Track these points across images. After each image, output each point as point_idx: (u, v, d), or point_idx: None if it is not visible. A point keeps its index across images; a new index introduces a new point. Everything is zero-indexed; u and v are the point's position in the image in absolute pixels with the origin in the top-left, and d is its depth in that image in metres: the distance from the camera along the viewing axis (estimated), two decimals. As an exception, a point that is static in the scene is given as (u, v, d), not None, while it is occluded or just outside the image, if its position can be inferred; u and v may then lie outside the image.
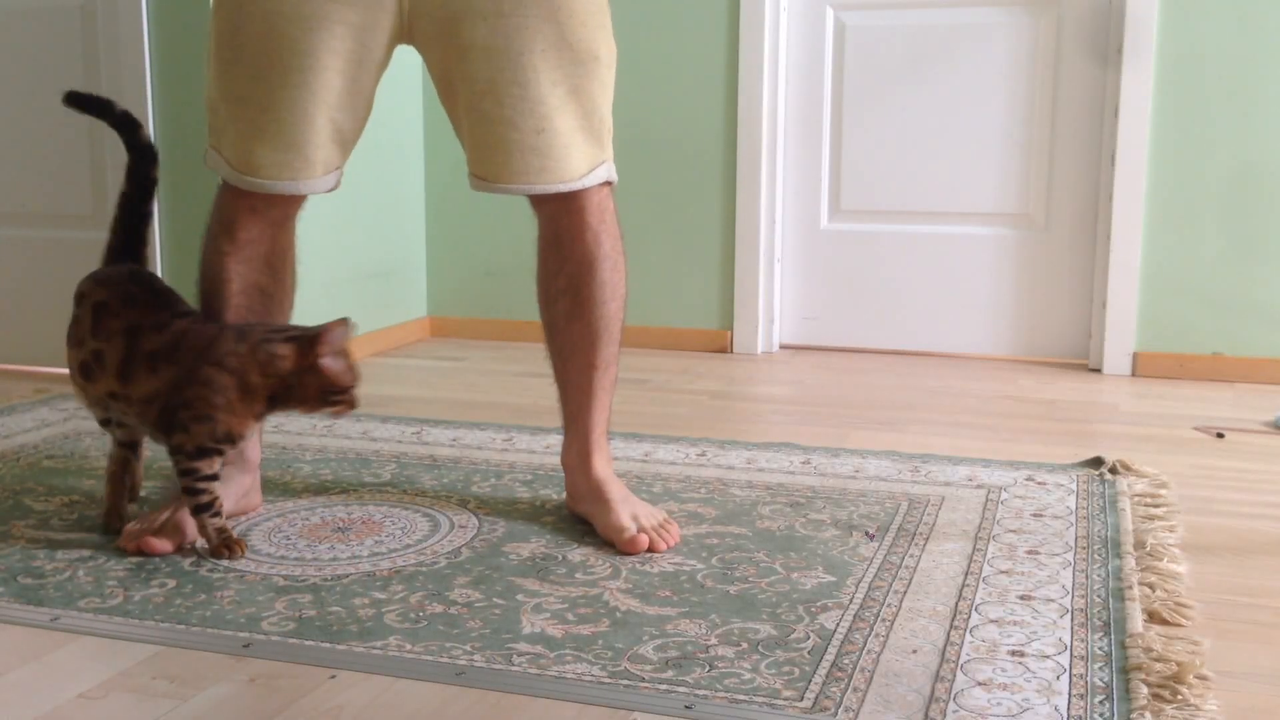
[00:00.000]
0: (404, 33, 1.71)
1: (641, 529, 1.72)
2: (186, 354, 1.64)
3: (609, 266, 1.78)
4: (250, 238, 1.76)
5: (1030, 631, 1.45)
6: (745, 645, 1.41)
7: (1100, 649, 1.40)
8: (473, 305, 3.61)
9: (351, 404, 1.66)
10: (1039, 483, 2.07)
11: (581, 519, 1.84)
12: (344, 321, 1.64)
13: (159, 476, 2.10)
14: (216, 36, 1.71)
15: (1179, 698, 1.27)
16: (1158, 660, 1.35)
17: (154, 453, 2.27)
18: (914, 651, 1.40)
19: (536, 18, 1.65)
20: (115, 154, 2.86)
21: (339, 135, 1.72)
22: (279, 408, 1.66)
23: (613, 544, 1.73)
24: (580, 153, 1.72)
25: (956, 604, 1.54)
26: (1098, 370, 3.13)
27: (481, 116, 1.69)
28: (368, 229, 3.33)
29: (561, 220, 1.76)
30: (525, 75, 1.66)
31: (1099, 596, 1.56)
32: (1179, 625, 1.48)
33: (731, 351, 3.39)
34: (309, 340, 1.63)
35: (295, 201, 1.77)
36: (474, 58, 1.67)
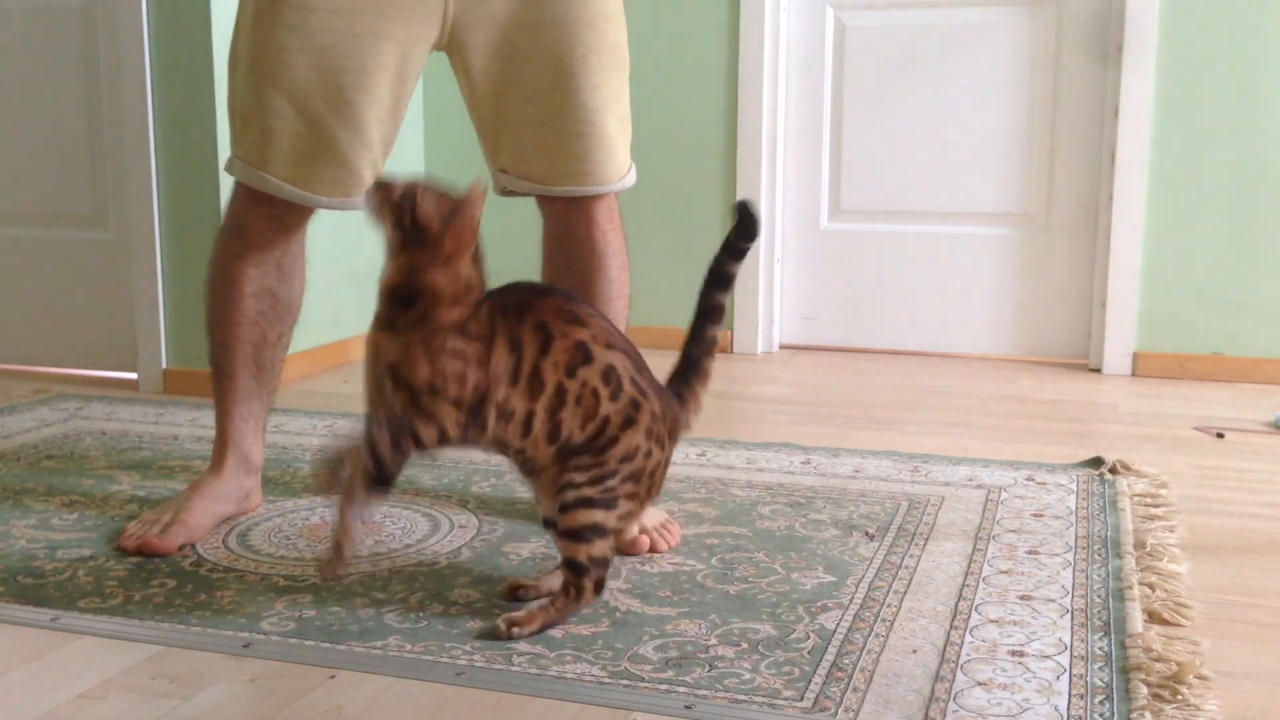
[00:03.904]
0: (441, 42, 1.73)
1: (643, 529, 1.72)
2: None
3: (616, 265, 1.80)
4: (265, 241, 1.77)
5: (1030, 631, 1.45)
6: (745, 645, 1.41)
7: (1100, 649, 1.40)
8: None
9: None
10: (1039, 483, 2.07)
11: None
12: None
13: (158, 476, 2.10)
14: (257, 52, 1.69)
15: (1179, 698, 1.27)
16: (1158, 660, 1.35)
17: (153, 452, 2.27)
18: (914, 651, 1.40)
19: (578, 23, 1.69)
20: (115, 154, 2.87)
21: (384, 147, 1.75)
22: None
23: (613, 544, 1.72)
24: (618, 154, 1.77)
25: (956, 604, 1.54)
26: (1098, 370, 3.13)
27: (526, 121, 1.72)
28: (368, 229, 3.32)
29: (572, 219, 1.77)
30: (570, 82, 1.70)
31: (1099, 596, 1.56)
32: (1179, 625, 1.48)
33: (731, 351, 3.39)
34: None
35: (312, 208, 1.78)
36: (519, 64, 1.70)
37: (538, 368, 1.40)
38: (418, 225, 1.39)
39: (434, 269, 1.39)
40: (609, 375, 1.42)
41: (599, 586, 1.46)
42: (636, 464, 1.42)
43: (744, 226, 1.52)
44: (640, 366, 1.47)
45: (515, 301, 1.44)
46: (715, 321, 1.55)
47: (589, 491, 1.41)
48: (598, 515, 1.42)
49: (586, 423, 1.41)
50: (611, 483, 1.42)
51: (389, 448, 1.40)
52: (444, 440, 1.41)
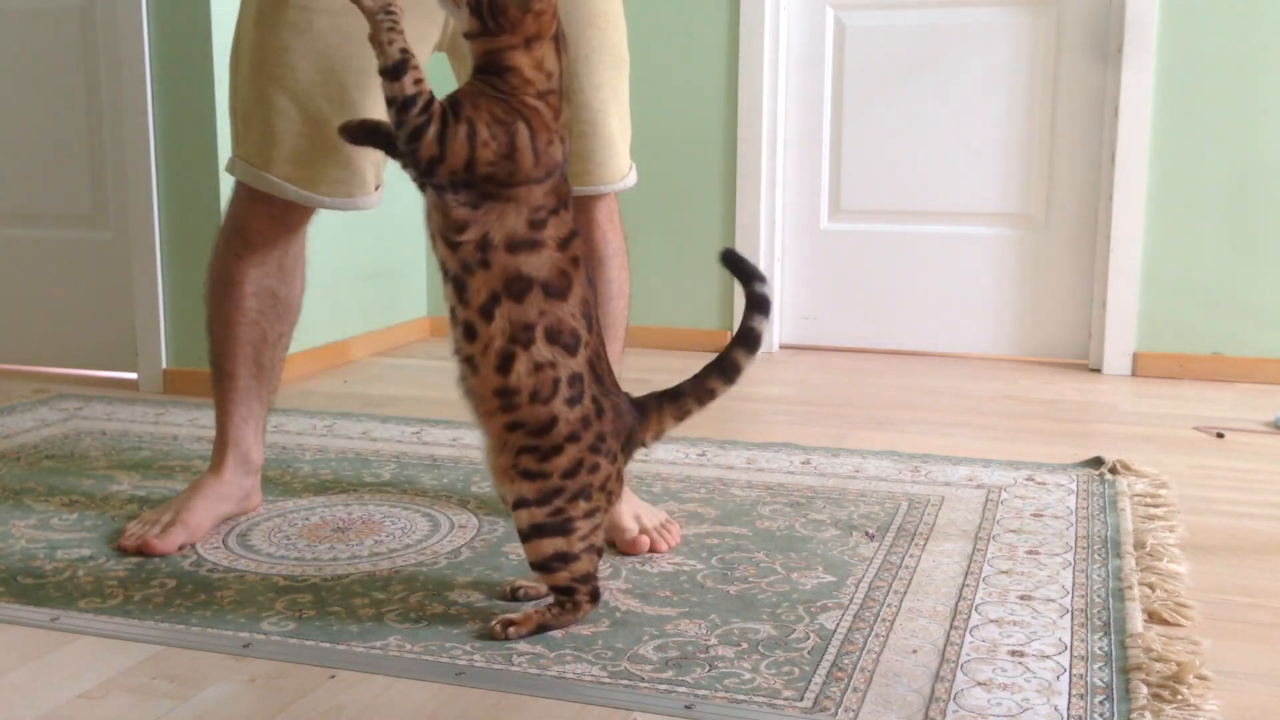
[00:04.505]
0: (444, 43, 1.73)
1: (643, 530, 1.72)
2: None
3: (616, 265, 1.80)
4: (266, 242, 1.77)
5: (1030, 631, 1.45)
6: (745, 645, 1.41)
7: (1100, 649, 1.40)
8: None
9: None
10: (1039, 483, 2.07)
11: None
12: None
13: (158, 476, 2.10)
14: (260, 52, 1.69)
15: (1179, 698, 1.27)
16: (1158, 660, 1.35)
17: (153, 452, 2.27)
18: (914, 651, 1.40)
19: (578, 23, 1.69)
20: (115, 154, 2.87)
21: None
22: None
23: (614, 544, 1.73)
24: (620, 154, 1.78)
25: (956, 604, 1.54)
26: (1098, 370, 3.13)
27: None
28: (368, 229, 3.33)
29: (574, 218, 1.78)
30: (572, 82, 1.70)
31: (1099, 596, 1.56)
32: (1179, 625, 1.48)
33: (731, 351, 3.38)
34: None
35: (313, 208, 1.78)
36: None
37: (527, 281, 1.37)
38: (495, 8, 1.35)
39: (515, 51, 1.37)
40: (575, 381, 1.41)
41: (594, 597, 1.46)
42: (581, 479, 1.41)
43: (743, 273, 1.52)
44: (605, 390, 1.45)
45: (579, 251, 1.42)
46: (725, 377, 1.52)
47: (539, 514, 1.40)
48: (558, 544, 1.41)
49: (535, 400, 1.39)
50: (559, 503, 1.40)
51: (406, 93, 1.34)
52: (432, 165, 1.34)
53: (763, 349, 3.39)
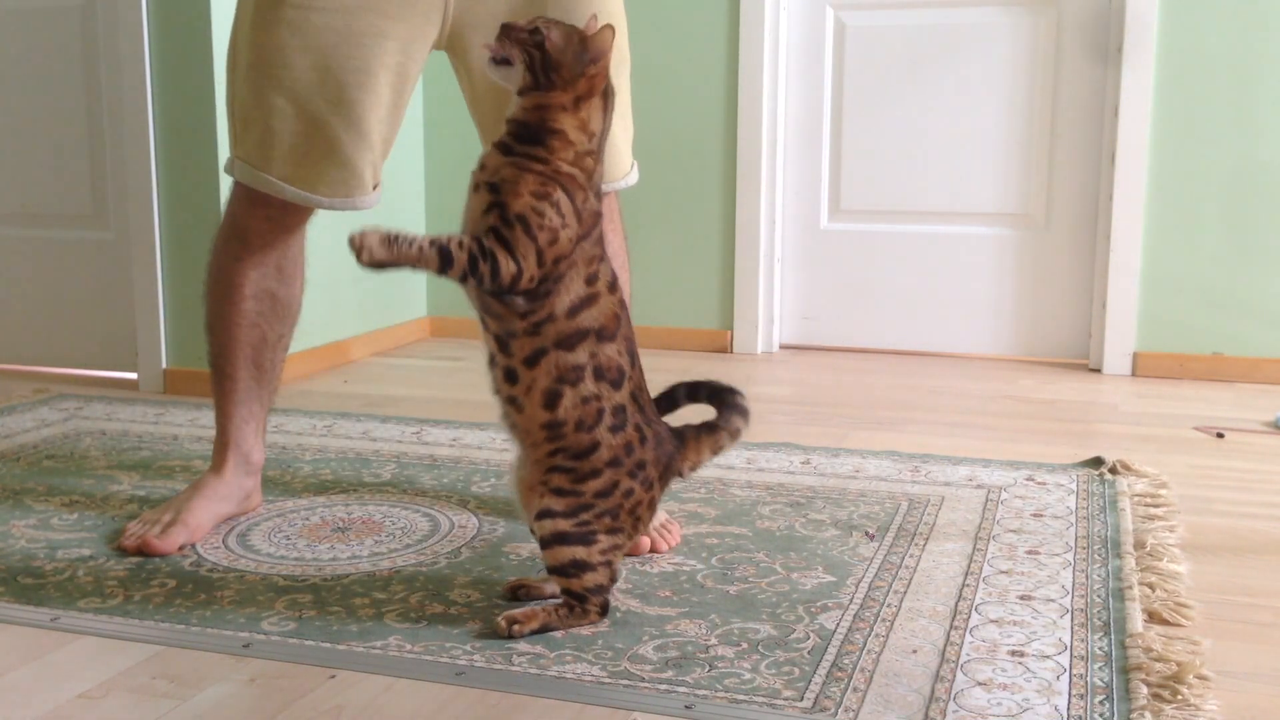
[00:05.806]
0: (441, 42, 1.73)
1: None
2: None
3: (617, 265, 1.80)
4: (265, 243, 1.76)
5: (1030, 631, 1.45)
6: (745, 645, 1.41)
7: (1100, 649, 1.40)
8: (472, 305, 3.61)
9: None
10: (1039, 483, 2.07)
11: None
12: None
13: (158, 476, 2.10)
14: (257, 52, 1.68)
15: (1179, 698, 1.27)
16: (1158, 660, 1.35)
17: (153, 452, 2.27)
18: (914, 651, 1.40)
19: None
20: (115, 154, 2.87)
21: (384, 148, 1.74)
22: None
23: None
24: (621, 153, 1.78)
25: (956, 604, 1.54)
26: (1098, 370, 3.13)
27: None
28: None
29: None
30: None
31: (1099, 596, 1.56)
32: (1179, 625, 1.48)
33: (731, 351, 3.39)
34: None
35: (312, 209, 1.78)
36: None
37: (584, 333, 1.40)
38: (549, 63, 1.37)
39: (565, 113, 1.39)
40: (620, 412, 1.43)
41: (603, 610, 1.47)
42: (613, 500, 1.42)
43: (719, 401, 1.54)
44: (648, 419, 1.47)
45: (620, 297, 1.45)
46: (745, 418, 1.54)
47: (564, 525, 1.41)
48: (578, 552, 1.42)
49: (580, 428, 1.41)
50: (586, 516, 1.41)
51: (464, 264, 1.36)
52: (516, 281, 1.37)
53: (762, 349, 3.43)
